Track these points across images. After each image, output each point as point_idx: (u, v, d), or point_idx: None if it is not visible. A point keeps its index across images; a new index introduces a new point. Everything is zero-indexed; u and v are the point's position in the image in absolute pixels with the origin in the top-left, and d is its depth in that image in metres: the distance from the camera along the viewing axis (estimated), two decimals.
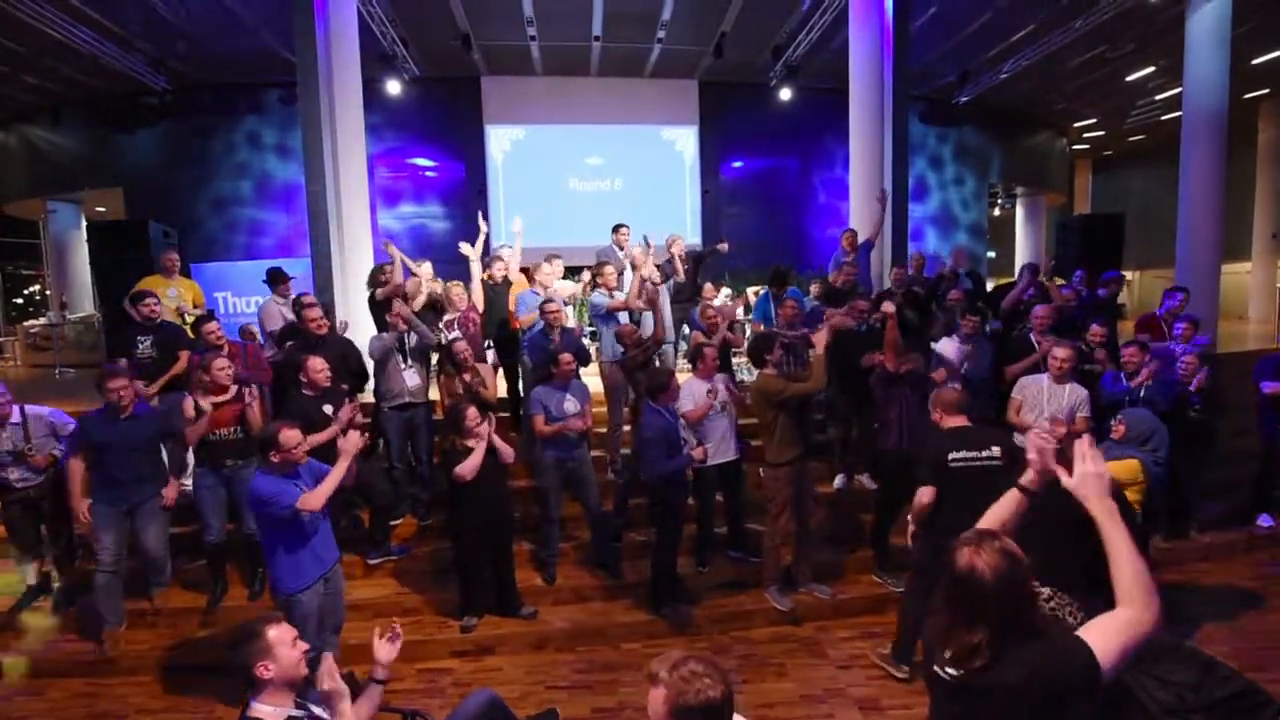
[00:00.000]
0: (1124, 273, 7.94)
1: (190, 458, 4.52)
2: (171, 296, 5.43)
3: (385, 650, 2.18)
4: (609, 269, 5.07)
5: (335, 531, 3.87)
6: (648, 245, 5.26)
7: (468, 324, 4.95)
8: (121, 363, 4.18)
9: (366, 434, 3.12)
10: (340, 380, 4.21)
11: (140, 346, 4.50)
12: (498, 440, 3.76)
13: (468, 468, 3.62)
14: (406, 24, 8.76)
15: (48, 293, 14.75)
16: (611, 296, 4.93)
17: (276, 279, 5.48)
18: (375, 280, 5.14)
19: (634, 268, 5.13)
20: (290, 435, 2.94)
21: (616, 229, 5.87)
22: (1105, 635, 1.27)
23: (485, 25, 8.92)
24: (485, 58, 10.01)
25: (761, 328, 5.40)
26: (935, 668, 1.39)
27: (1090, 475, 1.41)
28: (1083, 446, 1.47)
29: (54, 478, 3.95)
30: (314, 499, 2.89)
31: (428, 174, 10.95)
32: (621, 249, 5.76)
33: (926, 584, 2.95)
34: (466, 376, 4.31)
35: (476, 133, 10.82)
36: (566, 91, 10.88)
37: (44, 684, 3.58)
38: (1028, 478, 1.59)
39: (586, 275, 5.56)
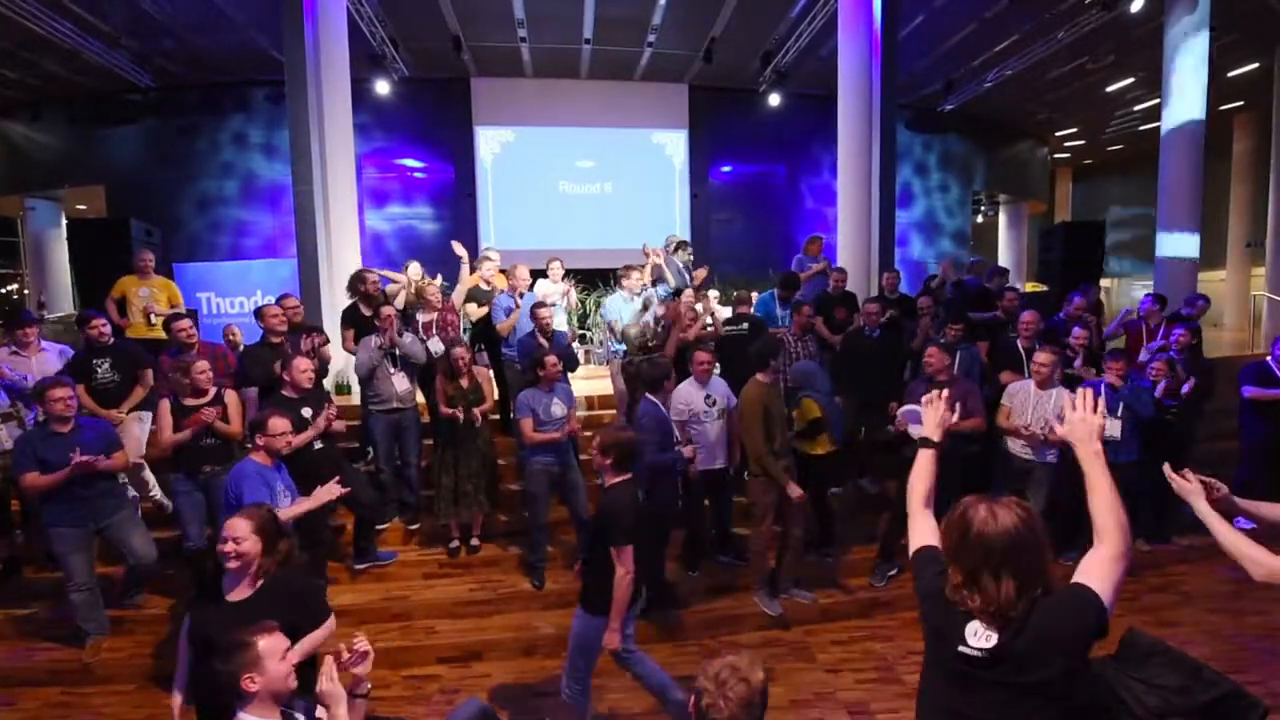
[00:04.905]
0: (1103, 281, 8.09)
1: (150, 476, 4.45)
2: (143, 296, 5.31)
3: (359, 668, 1.95)
4: (635, 274, 5.23)
5: (322, 540, 3.82)
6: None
7: (446, 326, 4.91)
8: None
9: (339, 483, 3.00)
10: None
11: (98, 371, 4.16)
12: None
13: None
14: (396, 24, 8.70)
15: (25, 291, 14.43)
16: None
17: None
18: (355, 287, 4.96)
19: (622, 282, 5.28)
20: (279, 423, 3.04)
21: (682, 246, 5.92)
22: (1101, 579, 1.34)
23: (475, 26, 8.88)
24: (475, 59, 9.96)
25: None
26: (959, 648, 1.37)
27: (1079, 421, 1.49)
28: (1084, 398, 1.54)
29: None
30: None
31: (416, 175, 10.88)
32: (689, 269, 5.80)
33: None
34: (464, 382, 4.27)
35: (466, 134, 10.75)
36: (557, 94, 10.85)
37: (17, 693, 3.47)
38: (927, 429, 1.77)
39: (566, 291, 5.55)
